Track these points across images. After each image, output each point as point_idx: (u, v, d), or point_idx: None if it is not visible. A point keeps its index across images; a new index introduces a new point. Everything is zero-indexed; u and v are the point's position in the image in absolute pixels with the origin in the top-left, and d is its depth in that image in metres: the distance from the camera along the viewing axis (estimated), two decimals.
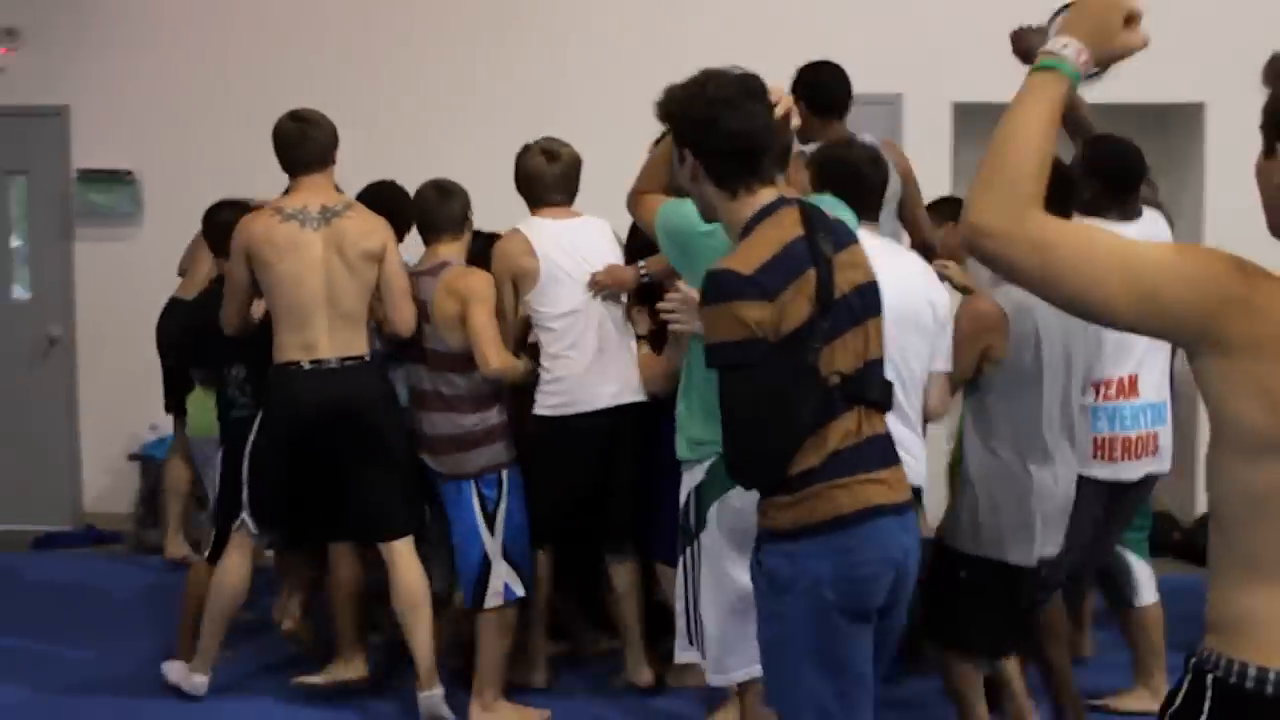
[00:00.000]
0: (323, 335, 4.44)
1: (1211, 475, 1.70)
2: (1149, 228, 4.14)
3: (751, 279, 2.56)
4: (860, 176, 3.64)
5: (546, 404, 4.56)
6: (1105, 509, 4.17)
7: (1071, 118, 4.26)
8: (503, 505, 4.50)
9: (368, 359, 4.53)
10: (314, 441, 4.47)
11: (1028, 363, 3.72)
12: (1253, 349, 1.61)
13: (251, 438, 4.60)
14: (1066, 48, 1.74)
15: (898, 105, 6.84)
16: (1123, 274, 1.65)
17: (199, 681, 4.70)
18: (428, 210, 4.59)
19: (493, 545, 4.48)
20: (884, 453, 2.74)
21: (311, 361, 4.43)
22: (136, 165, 7.22)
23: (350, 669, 4.73)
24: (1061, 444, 3.82)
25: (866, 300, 2.74)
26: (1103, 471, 4.13)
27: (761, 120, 2.72)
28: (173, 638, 4.99)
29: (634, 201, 3.44)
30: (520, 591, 4.52)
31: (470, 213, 4.64)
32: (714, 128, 2.68)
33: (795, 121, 3.03)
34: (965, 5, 6.70)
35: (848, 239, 2.78)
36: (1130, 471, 4.19)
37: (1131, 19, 1.77)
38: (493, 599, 4.49)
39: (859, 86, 4.76)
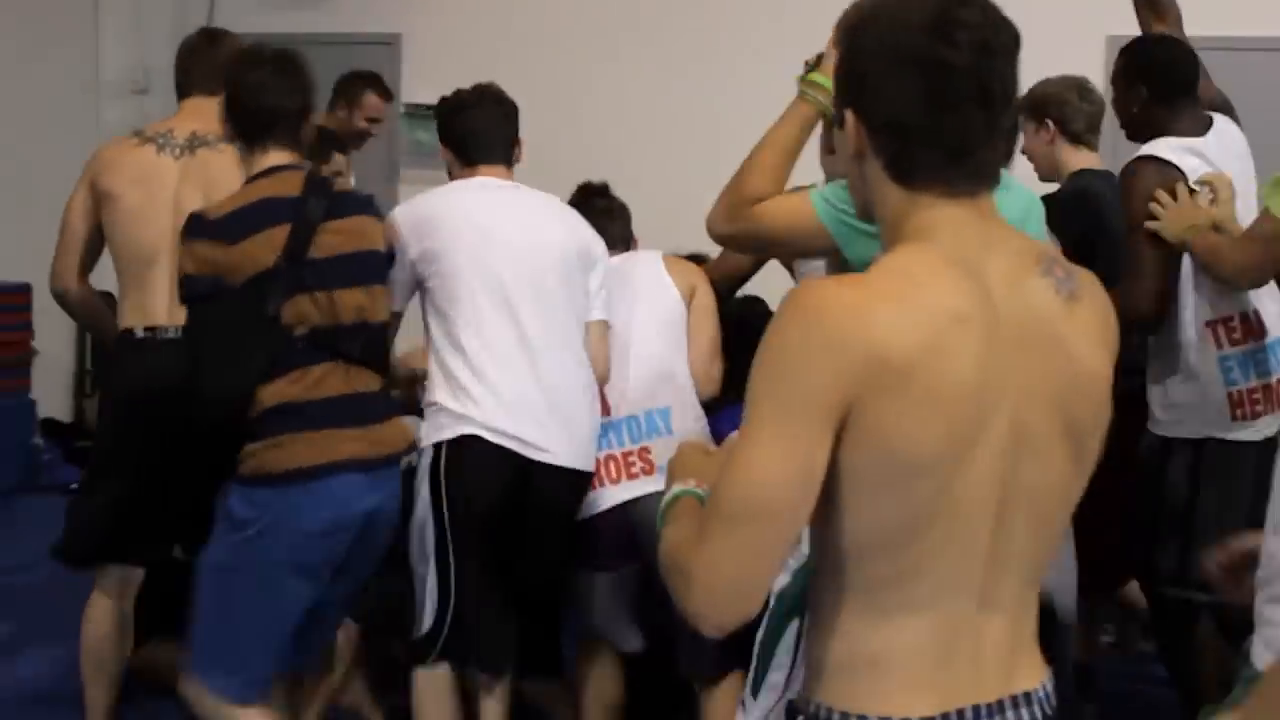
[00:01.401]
0: (162, 296, 3.46)
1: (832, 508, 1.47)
2: (1224, 138, 3.55)
3: (213, 222, 2.89)
4: None
5: None
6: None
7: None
8: None
9: None
10: (141, 430, 3.45)
11: None
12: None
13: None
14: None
15: None
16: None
17: None
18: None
19: None
20: (365, 410, 2.96)
21: (146, 329, 3.50)
22: None
23: None
24: None
25: (351, 269, 2.98)
26: (1249, 433, 3.46)
27: (273, 87, 3.02)
28: None
29: (746, 215, 2.63)
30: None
31: None
32: (233, 87, 3.05)
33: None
34: None
35: (354, 210, 3.05)
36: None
37: None
38: None
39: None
